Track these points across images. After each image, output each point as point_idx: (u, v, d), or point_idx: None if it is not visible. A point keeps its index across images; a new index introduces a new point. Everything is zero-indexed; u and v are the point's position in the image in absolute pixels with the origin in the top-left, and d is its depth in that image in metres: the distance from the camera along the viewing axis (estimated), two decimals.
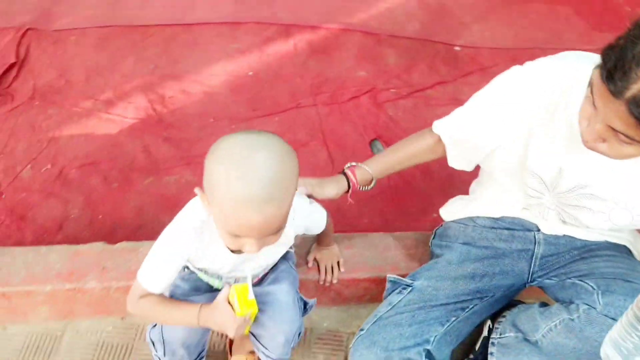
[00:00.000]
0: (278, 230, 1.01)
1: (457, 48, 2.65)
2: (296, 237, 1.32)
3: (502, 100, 1.15)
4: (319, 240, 1.56)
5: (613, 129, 0.89)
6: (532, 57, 1.17)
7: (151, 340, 1.31)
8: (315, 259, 1.57)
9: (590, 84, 0.91)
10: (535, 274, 1.27)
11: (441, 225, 1.45)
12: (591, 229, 1.21)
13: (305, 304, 1.41)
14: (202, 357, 1.44)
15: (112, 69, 2.52)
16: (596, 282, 1.12)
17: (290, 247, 1.45)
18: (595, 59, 0.91)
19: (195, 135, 2.23)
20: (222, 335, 1.60)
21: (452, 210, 1.43)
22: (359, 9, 2.86)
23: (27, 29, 2.68)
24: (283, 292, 1.31)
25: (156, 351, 1.33)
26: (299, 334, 1.36)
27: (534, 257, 1.27)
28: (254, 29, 2.72)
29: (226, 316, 1.09)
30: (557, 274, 1.25)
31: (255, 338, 1.35)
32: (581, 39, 2.74)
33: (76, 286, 1.48)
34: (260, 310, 1.23)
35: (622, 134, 0.88)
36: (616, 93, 0.83)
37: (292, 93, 2.42)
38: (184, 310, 1.16)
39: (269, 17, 2.78)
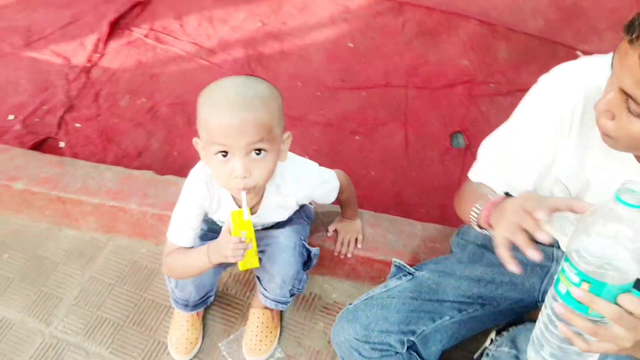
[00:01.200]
0: (260, 140, 1.04)
1: (579, 53, 2.41)
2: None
3: (536, 112, 1.04)
4: (342, 211, 1.54)
5: (624, 94, 0.80)
6: None
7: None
8: (335, 230, 1.55)
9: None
10: (546, 293, 1.14)
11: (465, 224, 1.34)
12: None
13: (308, 253, 1.42)
14: (210, 297, 1.49)
15: (224, 21, 2.62)
16: None
17: (310, 203, 1.45)
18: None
19: None
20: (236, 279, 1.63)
21: None
22: None
23: None
24: (284, 236, 1.35)
25: (169, 282, 1.40)
26: (300, 281, 1.39)
27: (548, 274, 1.15)
28: (368, 2, 2.68)
29: (222, 240, 1.12)
30: None
31: (258, 280, 1.41)
32: None
33: (119, 204, 1.59)
34: (261, 251, 1.30)
35: (632, 98, 0.79)
36: (633, 40, 0.75)
37: (387, 71, 2.36)
38: (197, 252, 1.21)
39: None
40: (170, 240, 1.26)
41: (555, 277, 0.81)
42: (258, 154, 1.06)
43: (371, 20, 2.59)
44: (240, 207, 1.12)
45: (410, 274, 1.20)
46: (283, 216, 1.34)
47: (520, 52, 2.42)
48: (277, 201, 1.26)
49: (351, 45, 2.48)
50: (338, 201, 1.48)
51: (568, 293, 0.76)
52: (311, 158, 2.03)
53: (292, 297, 1.42)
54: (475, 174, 1.14)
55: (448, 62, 2.38)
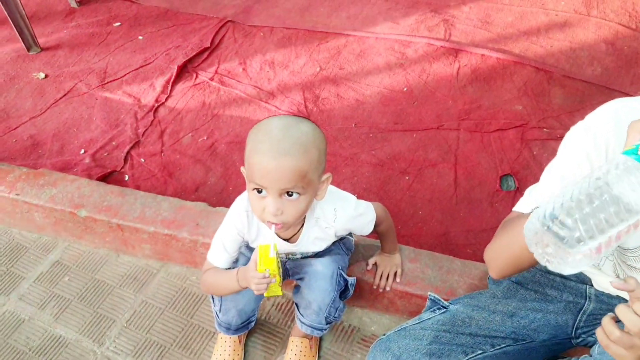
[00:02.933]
0: (293, 186, 1.09)
1: None
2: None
3: (577, 160, 1.03)
4: (382, 245, 1.55)
5: None
6: None
7: (212, 296, 1.43)
8: (375, 264, 1.55)
9: None
10: (580, 330, 1.11)
11: None
12: None
13: (346, 282, 1.44)
14: (252, 322, 1.53)
15: (284, 66, 2.75)
16: None
17: (350, 235, 1.48)
18: None
19: (333, 135, 2.33)
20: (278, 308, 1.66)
21: None
22: (537, 42, 2.71)
23: (227, 21, 3.06)
24: (322, 264, 1.39)
25: (214, 306, 1.45)
26: (337, 309, 1.40)
27: (582, 312, 1.11)
28: (424, 48, 2.74)
29: (249, 272, 1.17)
30: None
31: (296, 307, 1.45)
32: None
33: (172, 233, 1.67)
34: (300, 279, 1.36)
35: None
36: None
37: (439, 114, 2.39)
38: (228, 274, 1.28)
39: (443, 39, 2.77)
40: (208, 259, 1.34)
41: None
42: (290, 195, 1.11)
43: (427, 66, 2.65)
44: (274, 240, 1.18)
45: (444, 307, 1.19)
46: (321, 246, 1.38)
47: (575, 99, 2.40)
48: (316, 233, 1.30)
49: (405, 89, 2.54)
50: (377, 234, 1.50)
51: None
52: (361, 196, 2.08)
53: (328, 325, 1.43)
54: (524, 207, 1.12)
55: (502, 106, 2.39)
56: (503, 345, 1.14)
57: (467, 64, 2.63)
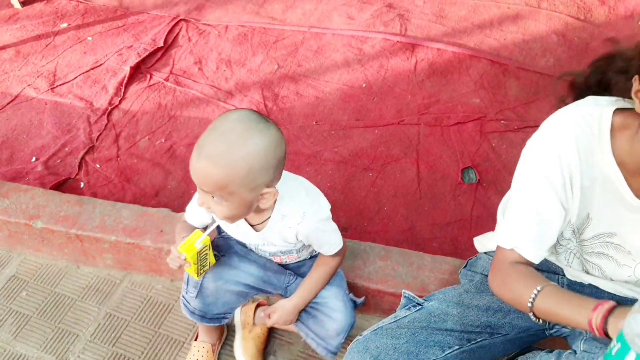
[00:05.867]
0: (212, 192, 1.08)
1: None
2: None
3: (543, 170, 1.03)
4: (301, 286, 1.43)
5: None
6: None
7: (187, 279, 1.42)
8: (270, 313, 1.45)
9: None
10: None
11: (475, 256, 1.34)
12: (615, 281, 1.05)
13: (354, 302, 1.47)
14: (227, 317, 1.49)
15: (241, 64, 2.71)
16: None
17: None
18: (617, 102, 0.92)
19: (294, 134, 2.31)
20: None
21: (484, 241, 1.33)
22: (491, 36, 2.76)
23: (180, 19, 2.99)
24: (333, 297, 1.40)
25: (187, 292, 1.43)
26: (352, 324, 1.43)
27: None
28: (381, 44, 2.75)
29: (174, 246, 1.26)
30: None
31: (314, 334, 1.45)
32: None
33: (135, 241, 1.62)
34: (317, 310, 1.41)
35: None
36: None
37: (399, 109, 2.40)
38: (178, 233, 1.36)
39: (399, 34, 2.78)
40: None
41: None
42: (214, 197, 1.10)
43: (384, 62, 2.65)
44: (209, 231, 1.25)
45: (419, 304, 1.20)
46: (287, 247, 1.36)
47: (530, 90, 2.45)
48: (279, 228, 1.28)
49: (364, 85, 2.54)
50: (314, 269, 1.43)
51: None
52: (325, 194, 2.06)
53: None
54: (507, 241, 1.08)
55: (459, 100, 2.42)
56: (479, 340, 1.15)
57: (424, 59, 2.65)
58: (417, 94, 2.47)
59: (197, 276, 1.30)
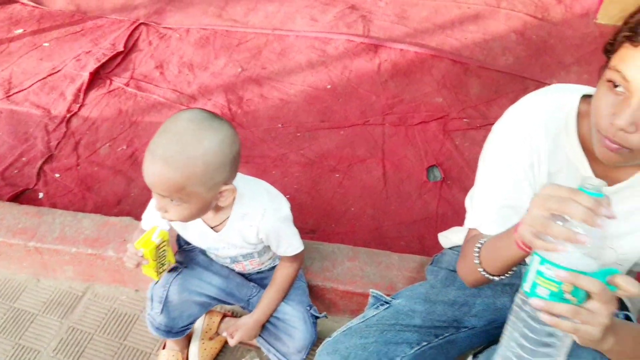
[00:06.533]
0: (169, 195, 1.06)
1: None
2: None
3: (509, 154, 1.05)
4: (262, 299, 1.41)
5: None
6: None
7: (152, 296, 1.39)
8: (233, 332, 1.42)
9: (609, 69, 0.86)
10: None
11: (440, 252, 1.35)
12: None
13: (316, 317, 1.46)
14: (189, 329, 1.47)
15: (204, 68, 2.67)
16: None
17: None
18: (583, 89, 0.93)
19: (259, 137, 2.29)
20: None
21: (450, 235, 1.35)
22: (452, 35, 2.79)
23: (140, 23, 2.93)
24: (294, 315, 1.39)
25: (152, 309, 1.39)
26: (313, 341, 1.43)
27: (518, 292, 1.15)
28: (344, 45, 2.75)
29: (130, 244, 1.21)
30: None
31: (275, 350, 1.44)
32: None
33: (97, 252, 1.58)
34: (278, 327, 1.40)
35: None
36: None
37: (364, 110, 2.41)
38: (139, 231, 1.33)
39: (362, 35, 2.79)
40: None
41: (529, 280, 0.80)
42: (172, 200, 1.08)
43: (348, 63, 2.66)
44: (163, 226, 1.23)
45: (387, 303, 1.20)
46: (246, 249, 1.34)
47: (491, 88, 2.49)
48: (240, 227, 1.26)
49: (329, 87, 2.54)
50: (274, 277, 1.42)
51: (553, 293, 0.77)
52: (292, 196, 2.06)
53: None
54: (472, 222, 1.10)
55: (423, 99, 2.44)
56: (447, 335, 1.16)
57: (387, 59, 2.66)
58: (381, 94, 2.48)
59: (157, 276, 1.26)
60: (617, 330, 0.81)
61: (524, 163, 1.03)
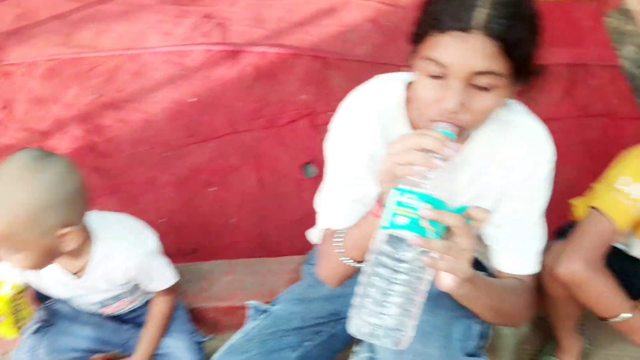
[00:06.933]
0: (1, 242, 1.00)
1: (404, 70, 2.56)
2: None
3: (348, 154, 1.08)
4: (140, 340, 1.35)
5: (473, 75, 0.83)
6: None
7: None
8: None
9: (422, 60, 0.88)
10: None
11: (312, 249, 1.35)
12: None
13: (202, 342, 1.42)
14: None
15: (55, 100, 2.50)
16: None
17: None
18: (407, 77, 0.98)
19: (125, 163, 2.18)
20: None
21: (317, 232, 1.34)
22: (310, 32, 2.81)
23: None
24: (177, 347, 1.34)
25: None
26: None
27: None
28: (203, 55, 2.69)
29: None
30: None
31: None
32: None
33: None
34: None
35: (485, 73, 0.83)
36: (468, 27, 0.81)
37: (231, 118, 2.36)
38: None
39: (220, 43, 2.74)
40: None
41: (388, 214, 0.80)
42: (7, 250, 1.02)
43: (209, 73, 2.59)
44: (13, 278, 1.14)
45: (265, 311, 1.17)
46: (113, 291, 1.25)
47: (353, 78, 2.51)
48: (104, 270, 1.18)
49: (195, 99, 2.46)
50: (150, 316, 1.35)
51: (414, 220, 0.77)
52: (168, 219, 1.97)
53: None
54: (324, 222, 1.12)
55: (288, 99, 2.43)
56: (328, 329, 1.17)
57: (249, 64, 2.63)
58: (247, 99, 2.45)
59: (16, 332, 1.15)
60: (473, 276, 0.83)
61: (364, 156, 1.04)
